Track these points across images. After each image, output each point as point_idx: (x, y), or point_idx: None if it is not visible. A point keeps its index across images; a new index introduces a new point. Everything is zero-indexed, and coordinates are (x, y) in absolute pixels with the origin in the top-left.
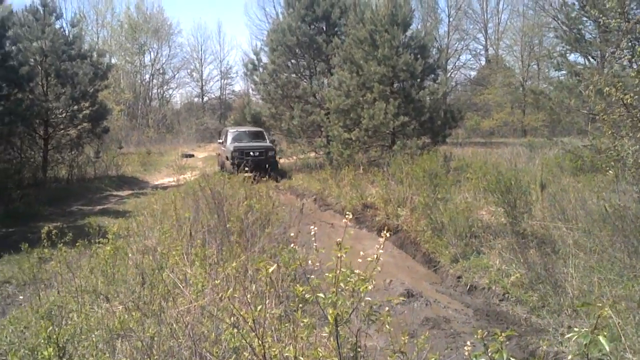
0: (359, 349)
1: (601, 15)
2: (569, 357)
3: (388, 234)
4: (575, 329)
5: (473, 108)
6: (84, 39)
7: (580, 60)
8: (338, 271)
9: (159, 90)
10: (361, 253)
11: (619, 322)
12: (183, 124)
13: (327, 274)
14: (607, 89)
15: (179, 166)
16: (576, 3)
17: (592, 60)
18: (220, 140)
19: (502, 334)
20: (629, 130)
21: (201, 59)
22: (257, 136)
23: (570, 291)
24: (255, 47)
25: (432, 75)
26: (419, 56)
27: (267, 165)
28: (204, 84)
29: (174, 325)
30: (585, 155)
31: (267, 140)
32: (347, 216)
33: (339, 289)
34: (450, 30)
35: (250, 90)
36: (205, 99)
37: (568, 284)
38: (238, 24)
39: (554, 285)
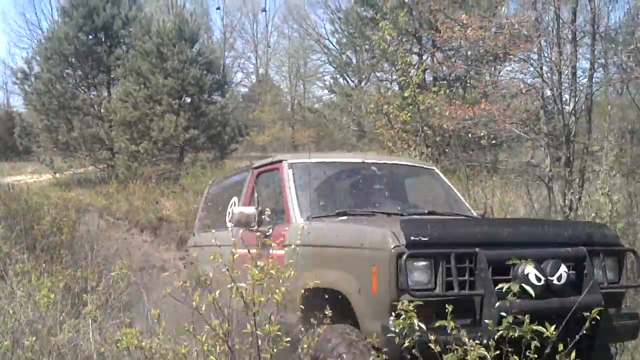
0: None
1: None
2: None
3: None
4: None
5: (249, 124)
6: None
7: (350, 82)
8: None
9: None
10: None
11: None
12: None
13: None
14: (385, 106)
15: None
16: (345, 30)
17: (358, 82)
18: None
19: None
20: (413, 143)
21: None
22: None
23: None
24: (28, 55)
25: (220, 91)
26: (206, 71)
27: None
28: None
29: None
30: None
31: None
32: None
33: None
34: (226, 48)
35: (22, 101)
36: None
37: None
38: None
39: None
